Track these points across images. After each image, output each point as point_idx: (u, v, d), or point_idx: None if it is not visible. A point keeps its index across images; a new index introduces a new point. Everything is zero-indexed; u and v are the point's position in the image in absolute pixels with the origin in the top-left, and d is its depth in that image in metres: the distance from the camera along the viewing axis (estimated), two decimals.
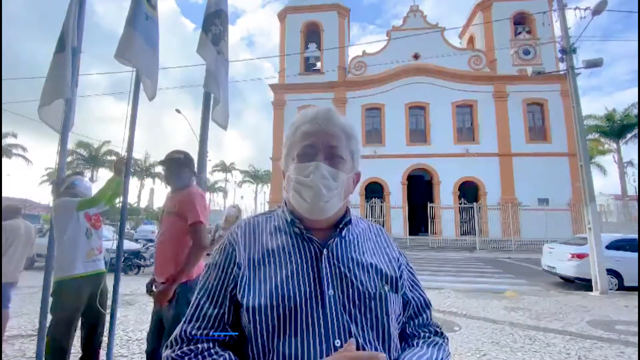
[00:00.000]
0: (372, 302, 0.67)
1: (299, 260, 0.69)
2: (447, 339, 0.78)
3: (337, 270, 0.68)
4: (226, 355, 0.63)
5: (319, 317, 0.64)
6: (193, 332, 0.66)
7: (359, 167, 0.78)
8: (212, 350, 0.64)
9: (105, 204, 2.62)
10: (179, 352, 0.65)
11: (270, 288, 0.65)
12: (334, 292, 0.66)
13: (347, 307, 0.66)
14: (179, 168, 2.24)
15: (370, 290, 0.68)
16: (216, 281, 0.70)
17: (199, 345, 0.65)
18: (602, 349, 3.66)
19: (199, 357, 0.63)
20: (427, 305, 0.81)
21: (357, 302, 0.66)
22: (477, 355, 3.48)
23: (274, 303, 0.64)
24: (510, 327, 4.43)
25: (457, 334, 4.14)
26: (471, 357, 3.42)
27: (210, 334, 0.66)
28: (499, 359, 3.39)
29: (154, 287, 2.19)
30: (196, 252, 2.08)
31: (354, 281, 0.68)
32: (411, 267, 0.83)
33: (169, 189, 2.35)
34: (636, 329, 4.27)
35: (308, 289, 0.66)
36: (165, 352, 0.67)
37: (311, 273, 0.68)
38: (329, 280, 0.67)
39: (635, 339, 3.93)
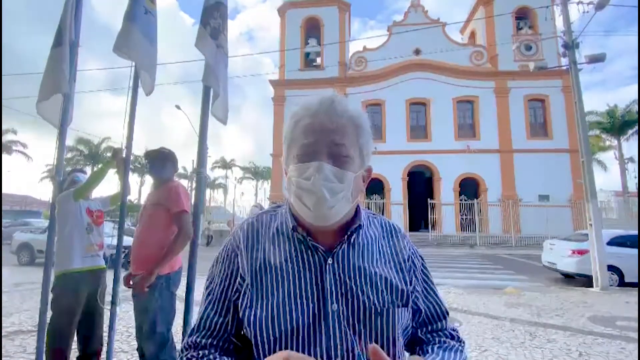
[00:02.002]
0: (379, 319, 0.63)
1: (301, 272, 0.65)
2: (464, 343, 0.73)
3: (342, 283, 0.64)
4: None
5: (321, 333, 0.61)
6: (198, 340, 0.66)
7: (370, 161, 0.70)
8: (215, 355, 0.64)
9: (111, 204, 2.70)
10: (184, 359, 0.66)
11: (272, 305, 0.62)
12: (338, 306, 0.62)
13: (351, 322, 0.62)
14: (164, 162, 2.36)
15: (377, 305, 0.63)
16: (220, 290, 0.69)
17: (200, 352, 0.65)
18: (602, 345, 3.66)
19: None
20: (444, 315, 0.74)
21: (362, 318, 0.62)
22: (477, 351, 3.48)
23: (275, 322, 0.61)
24: (510, 323, 4.43)
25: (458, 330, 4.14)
26: (472, 353, 3.42)
27: (215, 342, 0.66)
28: (499, 354, 3.39)
29: (131, 282, 2.22)
30: (182, 240, 2.12)
31: (360, 295, 0.63)
32: (426, 270, 0.76)
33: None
34: (637, 325, 4.27)
35: (311, 304, 0.62)
36: None
37: (314, 286, 0.64)
38: (333, 294, 0.63)
39: (636, 335, 3.93)
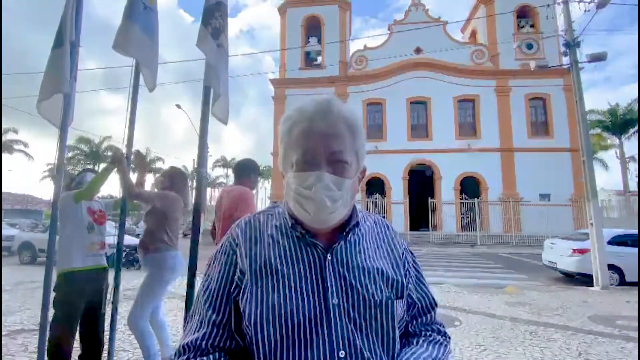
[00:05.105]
0: (378, 310, 0.64)
1: (302, 268, 0.65)
2: (449, 338, 0.77)
3: (342, 278, 0.65)
4: None
5: (322, 327, 0.61)
6: (198, 342, 0.64)
7: (364, 163, 0.72)
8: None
9: (113, 208, 2.71)
10: None
11: (273, 300, 0.62)
12: (339, 300, 0.63)
13: (351, 315, 0.63)
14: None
15: (376, 298, 0.65)
16: (218, 287, 0.68)
17: (205, 358, 0.63)
18: (602, 344, 3.66)
19: None
20: (433, 305, 0.78)
21: (362, 310, 0.64)
22: (477, 349, 3.48)
23: (277, 317, 0.61)
24: (510, 322, 4.43)
25: (458, 328, 4.14)
26: (472, 351, 3.43)
27: (216, 343, 0.64)
28: (499, 353, 3.40)
29: None
30: None
31: (360, 289, 0.65)
32: (417, 264, 0.79)
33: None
34: (637, 324, 4.27)
35: (312, 299, 0.63)
36: None
37: (315, 281, 0.64)
38: (334, 288, 0.64)
39: (636, 334, 3.93)
